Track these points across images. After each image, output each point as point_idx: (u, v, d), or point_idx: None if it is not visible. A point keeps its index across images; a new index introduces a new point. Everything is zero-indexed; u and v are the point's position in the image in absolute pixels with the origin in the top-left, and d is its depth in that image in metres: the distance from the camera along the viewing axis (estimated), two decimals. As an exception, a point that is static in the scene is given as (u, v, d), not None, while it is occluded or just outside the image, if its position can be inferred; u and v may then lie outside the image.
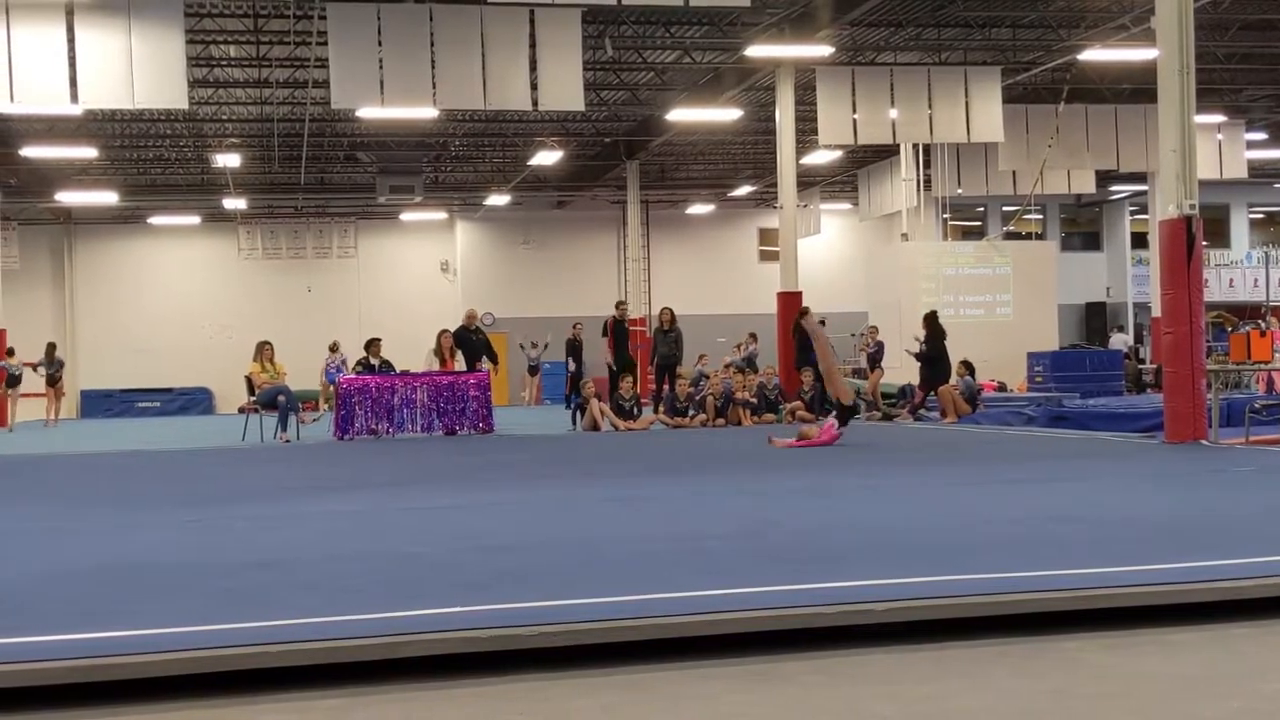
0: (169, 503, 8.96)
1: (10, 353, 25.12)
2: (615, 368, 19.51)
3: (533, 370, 31.55)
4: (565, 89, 16.59)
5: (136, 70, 15.20)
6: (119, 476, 12.01)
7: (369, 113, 18.32)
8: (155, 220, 32.42)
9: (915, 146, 25.73)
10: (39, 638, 4.09)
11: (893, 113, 20.60)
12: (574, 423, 18.24)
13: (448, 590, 4.85)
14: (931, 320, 18.78)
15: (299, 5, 17.27)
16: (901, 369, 21.07)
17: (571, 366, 25.47)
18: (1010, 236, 30.55)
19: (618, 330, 20.05)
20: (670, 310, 20.28)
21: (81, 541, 6.83)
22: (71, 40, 15.20)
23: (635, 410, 18.43)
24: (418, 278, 34.07)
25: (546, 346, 30.28)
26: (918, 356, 18.78)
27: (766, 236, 33.31)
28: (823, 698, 3.75)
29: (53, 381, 25.70)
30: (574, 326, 26.62)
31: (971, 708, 3.61)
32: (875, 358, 20.96)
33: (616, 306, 20.97)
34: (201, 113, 24.24)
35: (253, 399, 17.38)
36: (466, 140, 28.04)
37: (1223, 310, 31.20)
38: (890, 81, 20.65)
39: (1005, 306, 25.64)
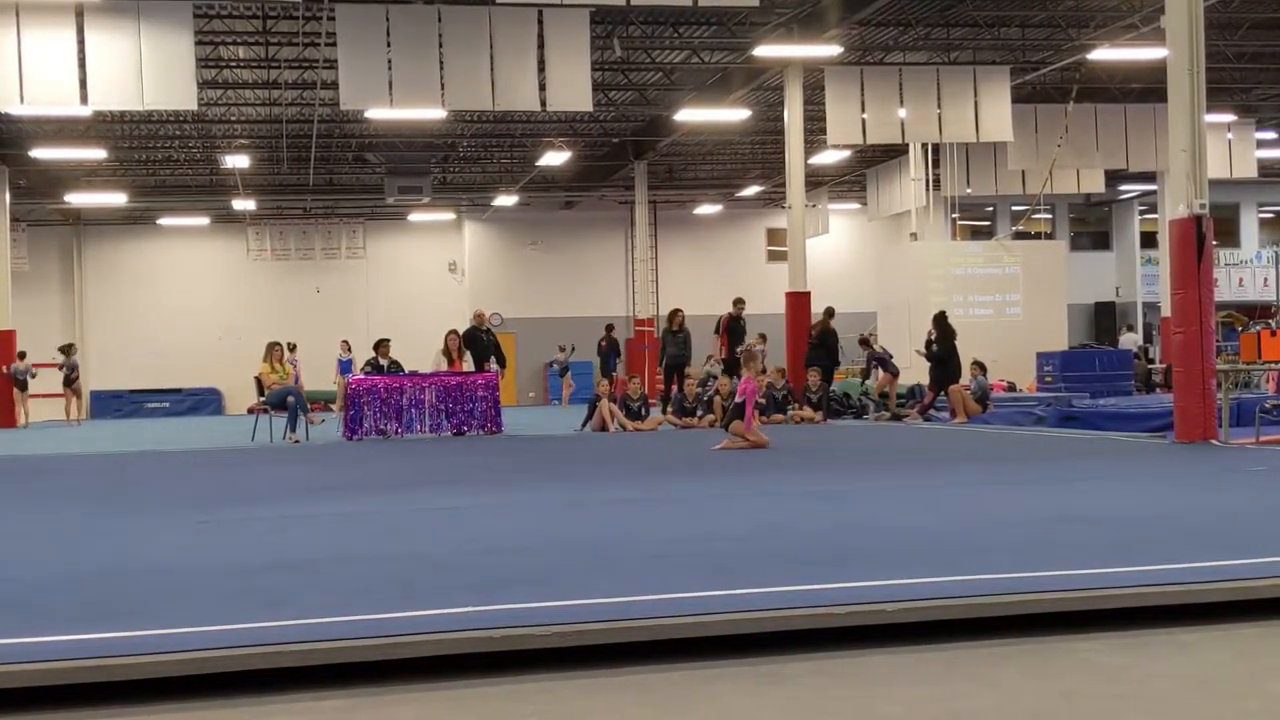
0: (180, 504, 8.97)
1: (21, 356, 25.22)
2: (724, 367, 19.35)
3: (562, 371, 31.85)
4: (573, 89, 16.59)
5: (146, 72, 15.24)
6: (129, 477, 12.03)
7: (377, 113, 18.34)
8: (164, 221, 32.50)
9: (924, 146, 25.69)
10: (52, 637, 4.10)
11: (901, 112, 20.57)
12: (584, 423, 18.24)
13: (458, 591, 4.85)
14: (941, 320, 18.76)
15: (308, 6, 17.29)
16: (912, 369, 21.04)
17: (615, 367, 25.84)
18: (1019, 236, 30.50)
19: (732, 328, 19.89)
20: (681, 311, 20.29)
21: (93, 543, 6.84)
22: (81, 42, 15.24)
23: (643, 411, 18.43)
24: (426, 278, 34.11)
25: (574, 349, 31.11)
26: (928, 356, 18.75)
27: (775, 236, 33.29)
28: (831, 699, 3.74)
29: (68, 382, 25.87)
30: (608, 328, 26.71)
31: (981, 709, 3.59)
32: (882, 361, 20.95)
33: (735, 304, 20.42)
34: (210, 114, 24.30)
35: (262, 400, 17.40)
36: (474, 141, 28.07)
37: (1232, 310, 31.13)
38: (899, 81, 20.62)
39: (1014, 306, 25.59)
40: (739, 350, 17.14)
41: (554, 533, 6.73)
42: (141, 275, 33.04)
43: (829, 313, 20.15)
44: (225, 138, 26.52)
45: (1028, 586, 4.68)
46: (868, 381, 21.11)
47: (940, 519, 6.88)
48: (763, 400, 18.54)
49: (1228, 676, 3.90)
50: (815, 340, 19.78)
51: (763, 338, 24.83)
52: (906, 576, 4.87)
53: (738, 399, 13.37)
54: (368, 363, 18.77)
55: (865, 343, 22.79)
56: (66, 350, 26.37)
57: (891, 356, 20.56)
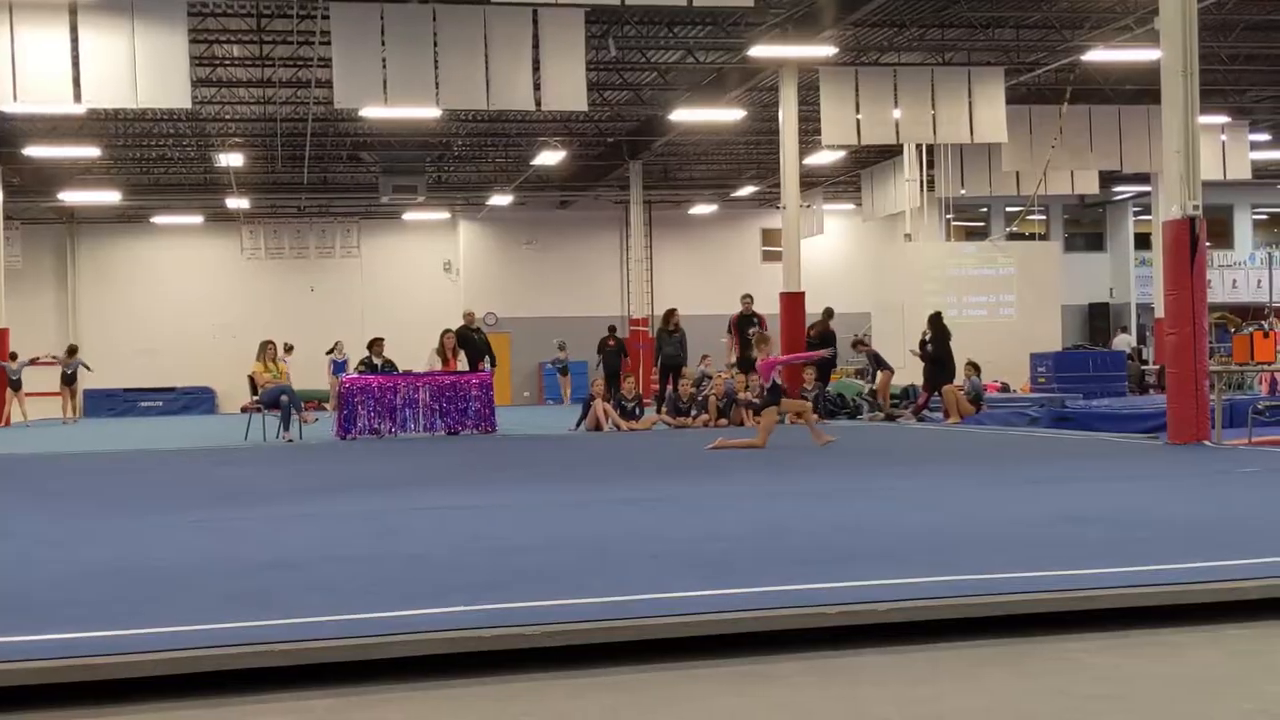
0: (174, 503, 8.96)
1: (13, 356, 25.20)
2: (738, 367, 19.26)
3: (563, 371, 31.91)
4: (568, 89, 16.59)
5: (140, 69, 15.21)
6: (123, 477, 12.01)
7: (372, 112, 18.32)
8: (158, 220, 32.45)
9: (919, 147, 25.71)
10: (44, 636, 4.09)
11: (896, 113, 20.57)
12: (578, 423, 18.24)
13: (450, 591, 4.84)
14: (936, 320, 18.77)
15: (302, 5, 17.27)
16: (906, 369, 21.07)
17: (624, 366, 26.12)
18: (1014, 237, 30.51)
19: (742, 325, 19.81)
20: (676, 311, 20.33)
21: (88, 542, 6.83)
22: (75, 39, 15.21)
23: (637, 411, 18.43)
24: (421, 278, 34.08)
25: (564, 345, 31.52)
26: (923, 356, 18.75)
27: (769, 237, 33.30)
28: (822, 699, 3.74)
29: (69, 380, 25.96)
30: (611, 329, 26.91)
31: (970, 708, 3.60)
32: (879, 360, 20.98)
33: (742, 300, 20.22)
34: (204, 112, 24.26)
35: (255, 398, 17.39)
36: (469, 140, 28.05)
37: (1226, 311, 31.16)
38: (894, 82, 20.63)
39: (1009, 307, 25.62)
40: (750, 332, 17.13)
41: (547, 533, 6.73)
42: (135, 273, 32.99)
43: (828, 313, 20.17)
44: (219, 136, 26.47)
45: (1018, 587, 4.68)
46: (872, 384, 21.10)
47: (933, 519, 6.88)
48: (757, 400, 18.58)
49: (1218, 676, 3.91)
50: (815, 341, 19.81)
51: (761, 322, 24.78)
52: (899, 576, 4.87)
53: (764, 383, 13.36)
54: (362, 362, 18.75)
55: (861, 344, 22.80)
56: (71, 352, 26.57)
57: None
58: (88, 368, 26.93)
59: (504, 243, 34.03)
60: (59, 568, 5.74)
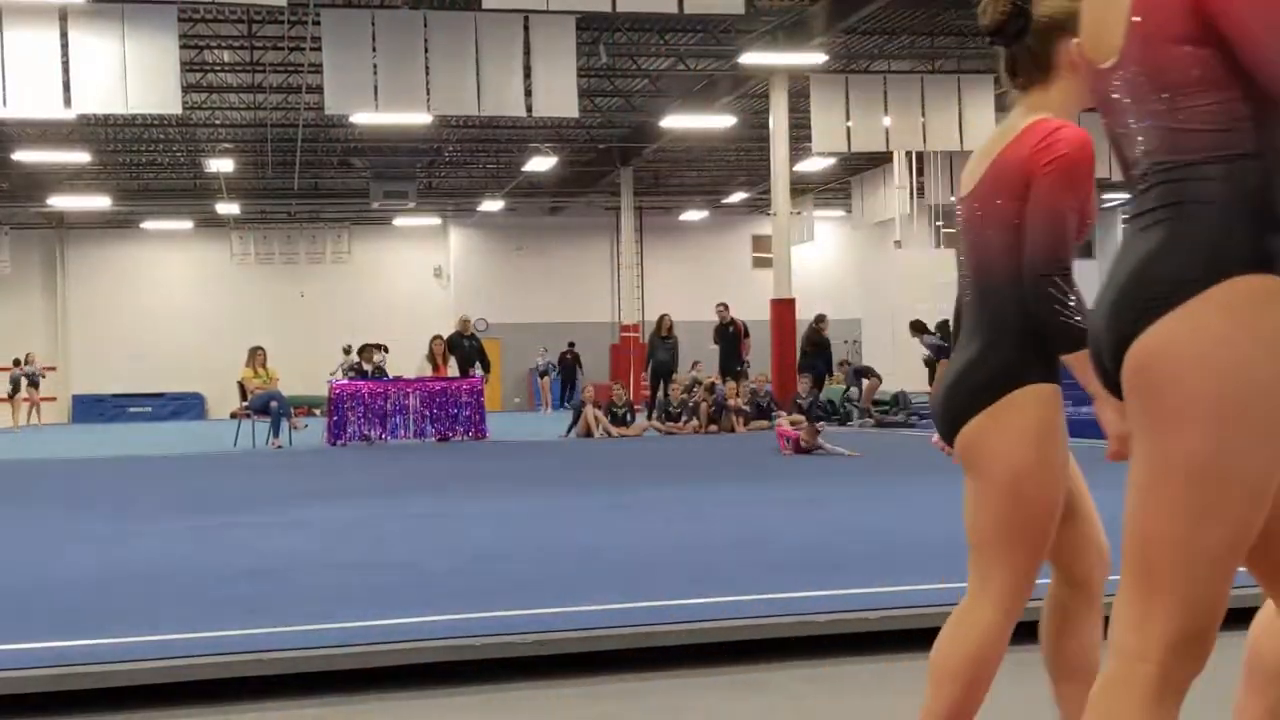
0: (163, 510, 8.93)
1: (15, 362, 25.28)
2: (724, 375, 19.28)
3: (543, 374, 32.02)
4: (559, 95, 16.61)
5: (130, 75, 15.19)
6: (112, 483, 11.97)
7: (363, 118, 18.32)
8: (148, 225, 32.39)
9: (908, 154, 25.75)
10: (28, 645, 4.08)
11: (886, 120, 20.62)
12: (569, 429, 18.23)
13: (441, 598, 4.84)
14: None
15: (293, 11, 17.27)
16: (895, 375, 21.09)
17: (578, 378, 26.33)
18: (1003, 244, 30.50)
19: (726, 335, 19.81)
20: (668, 316, 20.38)
21: (75, 549, 6.81)
22: (65, 45, 15.19)
23: (628, 417, 18.43)
24: (411, 283, 34.05)
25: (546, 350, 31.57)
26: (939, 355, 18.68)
27: (760, 243, 33.34)
28: (816, 707, 3.75)
29: (35, 384, 26.04)
30: (570, 345, 27.22)
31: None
32: (863, 372, 21.04)
33: (716, 309, 20.39)
34: (195, 118, 24.22)
35: (245, 404, 17.35)
36: (460, 146, 28.05)
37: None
38: (884, 89, 20.67)
39: (998, 314, 25.64)
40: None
41: (538, 540, 6.72)
42: (125, 279, 32.90)
43: (820, 319, 20.24)
44: (209, 141, 26.45)
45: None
46: (852, 389, 21.15)
47: (926, 525, 6.89)
48: (747, 407, 18.60)
49: (1204, 685, 3.92)
50: (807, 349, 19.87)
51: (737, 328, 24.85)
52: (891, 584, 4.87)
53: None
54: (352, 367, 18.73)
55: (845, 363, 23.08)
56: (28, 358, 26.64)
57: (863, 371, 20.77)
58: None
59: (495, 248, 34.03)
60: (43, 574, 5.72)
